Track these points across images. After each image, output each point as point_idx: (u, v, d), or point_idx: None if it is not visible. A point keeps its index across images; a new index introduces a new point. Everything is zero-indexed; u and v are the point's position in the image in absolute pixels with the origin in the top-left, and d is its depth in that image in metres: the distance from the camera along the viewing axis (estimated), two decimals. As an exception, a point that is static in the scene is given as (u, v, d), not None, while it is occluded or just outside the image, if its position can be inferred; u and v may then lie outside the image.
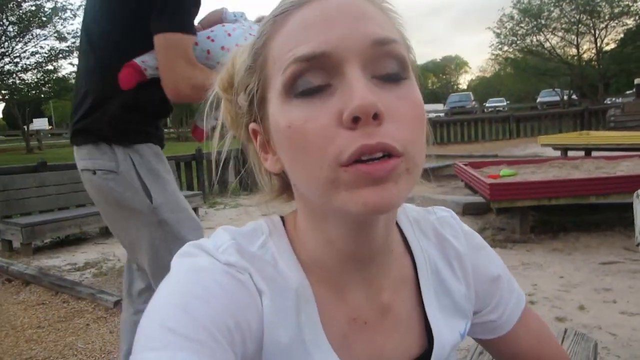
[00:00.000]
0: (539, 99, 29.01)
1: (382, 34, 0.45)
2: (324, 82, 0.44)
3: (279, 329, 0.49)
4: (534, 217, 4.79)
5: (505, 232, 4.72)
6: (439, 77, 70.12)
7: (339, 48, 0.43)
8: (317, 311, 0.52)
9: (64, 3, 17.62)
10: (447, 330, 0.59)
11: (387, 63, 0.45)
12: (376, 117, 0.42)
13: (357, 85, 0.42)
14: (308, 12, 0.45)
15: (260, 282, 0.50)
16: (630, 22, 21.90)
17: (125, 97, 1.44)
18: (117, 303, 3.19)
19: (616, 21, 21.90)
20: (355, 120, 0.42)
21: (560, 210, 4.80)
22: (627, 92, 20.65)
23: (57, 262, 4.68)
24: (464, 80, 73.46)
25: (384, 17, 0.48)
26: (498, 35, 24.13)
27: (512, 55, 25.71)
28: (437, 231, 0.63)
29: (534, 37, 23.63)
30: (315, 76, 0.44)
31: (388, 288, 0.57)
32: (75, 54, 18.23)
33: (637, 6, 21.10)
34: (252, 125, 0.54)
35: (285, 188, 0.59)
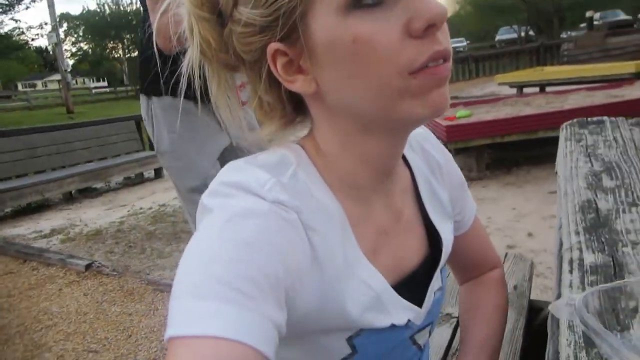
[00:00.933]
0: (497, 37, 29.16)
1: None
2: None
3: (330, 260, 0.51)
4: (490, 155, 5.00)
5: (463, 171, 4.75)
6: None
7: None
8: (352, 232, 0.54)
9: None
10: (447, 231, 0.68)
11: None
12: (443, 22, 0.46)
13: None
14: None
15: (309, 218, 0.50)
16: (582, -47, 21.96)
17: (143, 52, 1.66)
18: (89, 266, 3.24)
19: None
20: (427, 29, 0.44)
21: (513, 146, 5.01)
22: (582, 25, 20.94)
23: (21, 230, 4.64)
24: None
25: None
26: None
27: (469, -6, 25.56)
28: (421, 145, 0.69)
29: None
30: None
31: (399, 195, 0.62)
32: (17, 7, 17.11)
33: None
34: (274, 45, 0.49)
35: (295, 113, 0.58)
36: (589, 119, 1.69)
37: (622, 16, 21.86)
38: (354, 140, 0.53)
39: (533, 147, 4.98)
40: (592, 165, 1.21)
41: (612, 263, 0.73)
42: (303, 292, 0.49)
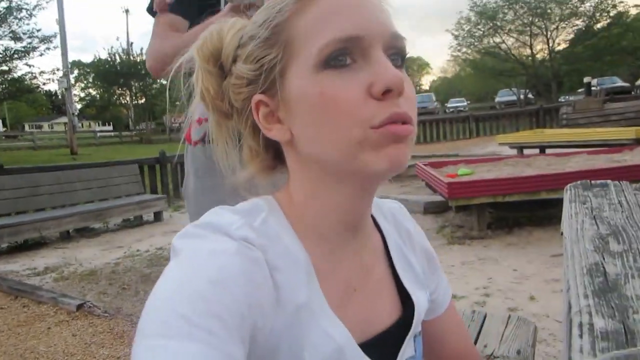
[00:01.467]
0: (497, 99, 29.83)
1: (396, 29, 0.54)
2: (352, 59, 0.51)
3: (292, 302, 0.51)
4: (491, 214, 5.00)
5: (464, 229, 4.89)
6: (401, 78, 70.69)
7: (369, 34, 0.51)
8: (318, 282, 0.55)
9: (19, 3, 16.90)
10: (421, 297, 0.67)
11: (396, 53, 0.54)
12: (400, 92, 0.51)
13: (387, 63, 0.51)
14: (334, 2, 0.52)
15: (274, 258, 0.52)
16: (579, 22, 22.85)
17: None
18: (80, 307, 3.17)
19: (566, 22, 22.81)
20: (385, 92, 0.50)
21: (515, 207, 5.02)
22: (579, 90, 21.49)
23: (16, 267, 4.58)
24: (426, 81, 74.79)
25: (390, 14, 0.56)
26: (456, 37, 24.74)
27: (470, 57, 26.41)
28: (394, 215, 0.72)
29: (491, 39, 24.37)
30: (345, 54, 0.50)
31: (369, 255, 0.63)
32: (32, 54, 17.65)
33: (584, 7, 22.04)
34: (258, 97, 0.55)
35: (276, 160, 0.63)
36: (593, 181, 1.70)
37: (619, 83, 22.49)
38: (322, 190, 0.56)
39: (535, 208, 4.99)
40: (599, 228, 1.20)
41: (623, 330, 0.72)
42: (265, 330, 0.49)
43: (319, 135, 0.52)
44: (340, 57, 0.50)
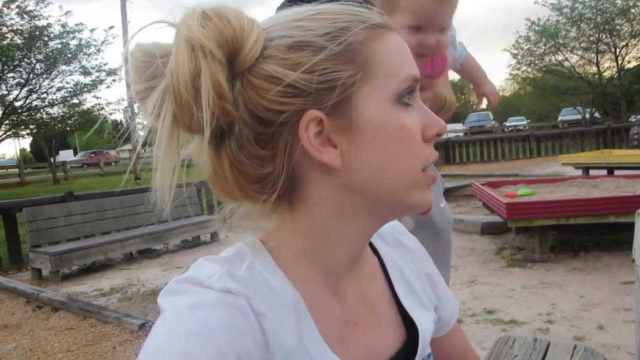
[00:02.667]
0: (560, 118, 28.73)
1: None
2: (411, 101, 0.54)
3: (282, 347, 0.50)
4: (554, 237, 4.77)
5: (525, 251, 4.69)
6: (457, 97, 69.68)
7: (418, 79, 0.55)
8: (314, 322, 0.53)
9: (88, 39, 18.15)
10: (424, 319, 0.65)
11: None
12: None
13: (431, 111, 0.56)
14: (398, 39, 0.54)
15: (259, 305, 0.50)
16: (651, 39, 21.66)
17: None
18: (142, 326, 3.28)
19: (637, 39, 21.68)
20: (435, 137, 0.55)
21: (581, 230, 4.76)
22: (652, 108, 20.31)
23: (84, 288, 4.82)
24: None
25: None
26: (515, 56, 24.11)
27: (531, 75, 25.60)
28: (393, 236, 0.70)
29: (553, 57, 23.53)
30: (411, 92, 0.54)
31: (366, 283, 0.62)
32: (99, 87, 18.79)
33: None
34: (315, 113, 0.49)
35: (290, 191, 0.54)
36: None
37: (696, 101, 21.07)
38: (339, 225, 0.54)
39: (603, 232, 4.72)
40: (671, 254, 1.13)
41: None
42: None
43: (387, 166, 0.52)
44: (409, 95, 0.53)
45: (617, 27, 21.30)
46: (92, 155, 37.11)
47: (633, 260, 1.17)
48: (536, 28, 22.48)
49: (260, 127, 0.49)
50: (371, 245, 0.67)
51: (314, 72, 0.48)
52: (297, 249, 0.55)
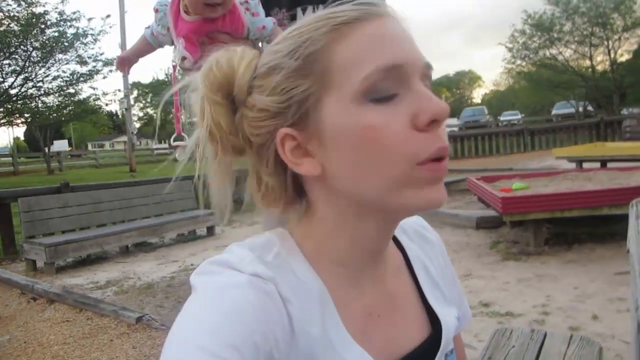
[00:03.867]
0: (554, 111, 28.84)
1: (426, 58, 0.53)
2: (394, 90, 0.50)
3: (306, 333, 0.52)
4: (549, 230, 4.80)
5: (520, 245, 4.73)
6: (452, 92, 70.11)
7: (408, 63, 0.50)
8: (337, 313, 0.55)
9: (85, 28, 17.96)
10: (447, 314, 0.66)
11: (426, 82, 0.53)
12: (445, 119, 0.50)
13: (429, 93, 0.50)
14: (374, 28, 0.51)
15: (287, 291, 0.52)
16: (643, 33, 21.76)
17: None
18: (139, 319, 3.28)
19: (630, 32, 21.78)
20: (431, 123, 0.49)
21: (575, 222, 4.80)
22: (644, 102, 20.43)
23: (80, 280, 4.81)
24: (477, 95, 73.41)
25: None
26: (510, 49, 24.15)
27: (525, 69, 25.68)
28: (417, 231, 0.71)
29: (547, 51, 23.60)
30: (388, 84, 0.49)
31: (390, 279, 0.63)
32: (96, 77, 18.65)
33: (649, 17, 21.00)
34: (285, 130, 0.53)
35: (297, 196, 0.60)
36: (661, 196, 1.62)
37: (688, 94, 21.19)
38: (348, 223, 0.56)
39: (597, 224, 4.76)
40: (668, 244, 1.14)
41: (698, 349, 0.68)
42: (282, 358, 0.50)
43: (359, 172, 0.51)
44: (383, 87, 0.49)
45: (611, 20, 21.38)
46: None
47: (628, 251, 1.19)
48: (531, 21, 22.53)
49: (254, 152, 0.57)
50: (396, 240, 0.67)
51: (276, 93, 0.52)
52: (318, 242, 0.57)
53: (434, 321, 0.64)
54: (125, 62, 1.74)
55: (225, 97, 0.55)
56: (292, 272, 0.54)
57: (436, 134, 0.50)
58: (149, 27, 1.61)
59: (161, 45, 1.59)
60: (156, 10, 1.54)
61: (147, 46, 1.66)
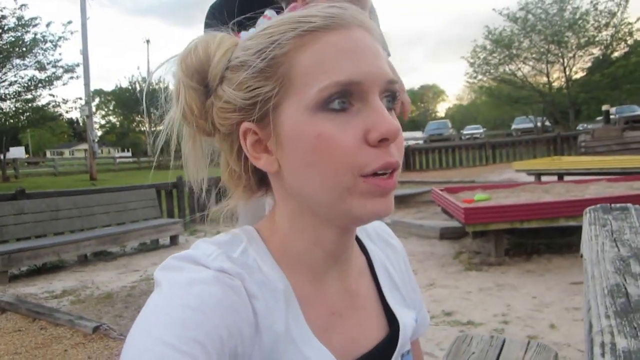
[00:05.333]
0: (513, 126, 29.74)
1: (391, 74, 0.54)
2: (349, 103, 0.51)
3: (271, 329, 0.52)
4: (509, 240, 4.93)
5: (481, 255, 4.83)
6: (417, 106, 71.40)
7: (367, 79, 0.51)
8: (301, 310, 0.56)
9: (44, 34, 17.45)
10: (405, 316, 0.67)
11: (388, 94, 0.54)
12: (394, 140, 0.51)
13: (384, 112, 0.51)
14: (338, 39, 0.51)
15: (252, 286, 0.53)
16: (596, 51, 22.77)
17: None
18: (96, 329, 3.18)
19: (583, 50, 22.75)
20: (382, 140, 0.50)
21: (534, 233, 4.95)
22: (597, 118, 21.31)
23: (34, 289, 4.63)
24: (441, 109, 75.03)
25: (384, 57, 0.56)
26: (472, 64, 24.84)
27: (486, 84, 26.43)
28: (380, 235, 0.73)
29: (507, 67, 24.39)
30: (343, 97, 0.50)
31: (354, 279, 0.64)
32: (55, 83, 18.11)
33: (601, 36, 22.01)
34: (246, 125, 0.55)
35: (261, 186, 0.63)
36: (613, 205, 1.68)
37: (639, 111, 22.25)
38: (306, 222, 0.57)
39: (554, 235, 4.92)
40: (619, 250, 1.19)
41: (646, 349, 0.70)
42: (245, 357, 0.51)
43: (308, 176, 0.52)
44: (338, 100, 0.50)
45: (565, 38, 22.30)
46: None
47: (581, 256, 1.23)
48: (492, 37, 23.26)
49: (221, 138, 0.59)
50: (360, 242, 0.69)
51: (242, 90, 0.54)
52: (282, 240, 0.59)
53: (392, 322, 0.65)
54: None
55: (200, 82, 0.57)
56: (258, 268, 0.55)
57: (386, 150, 0.51)
58: None
59: None
60: None
61: None
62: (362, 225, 0.69)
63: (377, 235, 0.73)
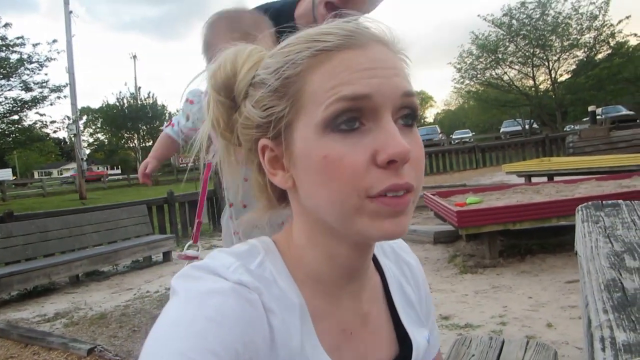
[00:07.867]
0: (502, 129, 29.99)
1: (408, 87, 0.52)
2: (359, 122, 0.49)
3: (286, 345, 0.52)
4: (502, 242, 4.94)
5: (476, 257, 4.83)
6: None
7: (377, 93, 0.49)
8: (313, 326, 0.55)
9: (30, 54, 17.35)
10: (418, 334, 0.66)
11: (407, 111, 0.52)
12: (405, 162, 0.49)
13: (394, 132, 0.49)
14: (353, 57, 0.50)
15: (270, 301, 0.52)
16: (580, 54, 23.13)
17: None
18: (91, 351, 3.12)
19: (567, 53, 23.09)
20: (390, 162, 0.48)
21: (526, 234, 4.97)
22: (584, 119, 21.57)
23: (25, 314, 4.54)
24: (430, 114, 75.55)
25: (406, 71, 0.54)
26: (459, 70, 25.09)
27: (473, 89, 26.69)
28: (395, 251, 0.72)
29: (493, 71, 24.67)
30: (353, 115, 0.49)
31: (367, 299, 0.63)
32: (41, 104, 17.98)
33: (584, 39, 22.35)
34: (264, 141, 0.55)
35: (282, 199, 0.63)
36: (604, 202, 1.69)
37: (624, 111, 22.57)
38: (320, 239, 0.57)
39: (547, 236, 4.93)
40: (613, 246, 1.19)
41: (646, 342, 0.70)
42: None
43: (318, 195, 0.52)
44: (347, 119, 0.49)
45: (549, 42, 22.62)
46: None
47: (576, 253, 1.23)
48: (478, 42, 23.52)
49: (246, 150, 0.60)
50: (375, 259, 0.67)
51: (259, 107, 0.55)
52: (298, 254, 0.59)
53: (404, 341, 0.64)
54: (148, 176, 1.66)
55: (227, 96, 0.59)
56: (274, 282, 0.54)
57: (396, 172, 0.49)
58: (169, 124, 1.50)
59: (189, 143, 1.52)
60: (191, 102, 1.41)
61: (172, 146, 1.55)
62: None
63: (392, 251, 0.72)
